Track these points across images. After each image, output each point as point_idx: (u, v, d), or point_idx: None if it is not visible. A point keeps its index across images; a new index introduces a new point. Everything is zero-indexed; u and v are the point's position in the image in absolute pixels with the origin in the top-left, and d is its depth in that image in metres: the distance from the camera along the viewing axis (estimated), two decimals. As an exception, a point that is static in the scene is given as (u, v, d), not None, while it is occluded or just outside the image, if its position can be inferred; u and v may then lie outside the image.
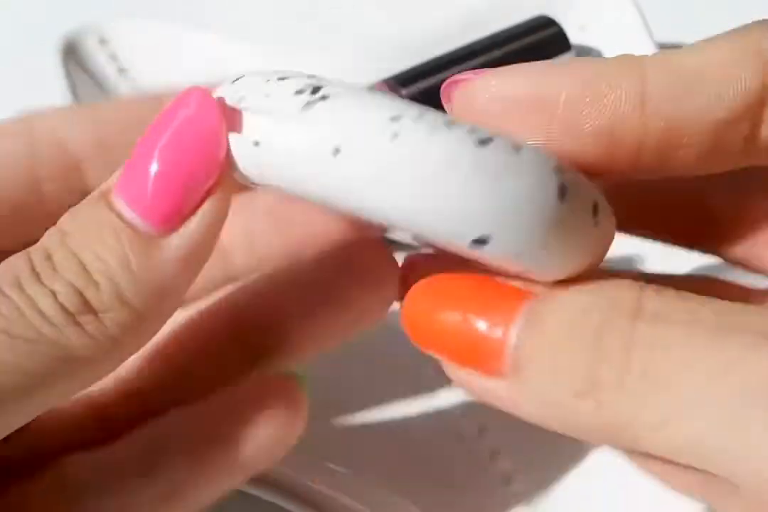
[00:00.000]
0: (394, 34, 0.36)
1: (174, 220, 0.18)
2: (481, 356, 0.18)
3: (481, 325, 0.18)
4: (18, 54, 0.36)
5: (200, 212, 0.18)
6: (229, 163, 0.18)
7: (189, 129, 0.18)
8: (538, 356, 0.17)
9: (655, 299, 0.17)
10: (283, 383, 0.21)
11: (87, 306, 0.17)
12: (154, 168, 0.18)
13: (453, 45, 0.35)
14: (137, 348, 0.19)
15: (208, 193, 0.18)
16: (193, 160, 0.18)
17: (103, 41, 0.37)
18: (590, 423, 0.17)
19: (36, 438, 0.21)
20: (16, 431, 0.18)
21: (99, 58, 0.36)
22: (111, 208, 0.18)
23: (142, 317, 0.18)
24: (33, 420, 0.19)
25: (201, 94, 0.18)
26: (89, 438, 0.22)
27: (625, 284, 0.18)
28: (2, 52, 0.37)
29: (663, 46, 0.41)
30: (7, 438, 0.18)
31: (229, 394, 0.21)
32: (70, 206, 0.19)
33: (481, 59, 0.36)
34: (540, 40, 0.38)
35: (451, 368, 0.19)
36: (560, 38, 0.38)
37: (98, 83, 0.36)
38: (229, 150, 0.18)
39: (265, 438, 0.21)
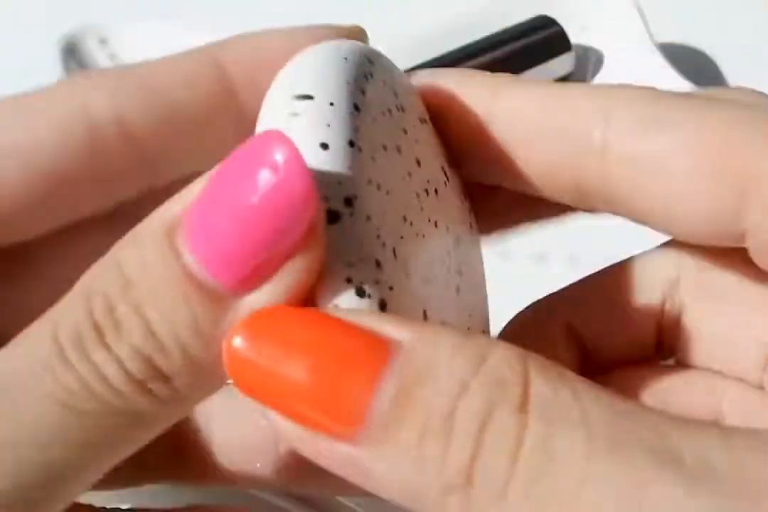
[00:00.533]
0: (395, 35, 0.36)
1: (250, 282, 0.16)
2: (332, 416, 0.15)
3: (339, 381, 0.15)
4: (18, 54, 0.36)
5: (281, 273, 0.16)
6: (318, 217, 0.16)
7: (278, 195, 0.16)
8: (408, 434, 0.15)
9: (542, 384, 0.15)
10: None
11: (156, 372, 0.16)
12: (233, 227, 0.16)
13: (454, 45, 0.35)
14: (204, 399, 0.17)
15: (291, 255, 0.16)
16: (279, 224, 0.16)
17: (103, 41, 0.37)
18: None
19: None
20: None
21: (99, 58, 0.36)
22: (178, 256, 0.16)
23: (212, 376, 0.16)
24: None
25: (289, 153, 0.16)
26: None
27: (495, 355, 0.15)
28: (2, 52, 0.37)
29: (663, 47, 0.41)
30: None
31: None
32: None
33: (482, 59, 0.37)
34: (541, 40, 0.38)
35: (281, 422, 0.16)
36: (561, 38, 0.38)
37: (98, 83, 0.36)
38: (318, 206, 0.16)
39: None
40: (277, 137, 0.16)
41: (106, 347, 0.16)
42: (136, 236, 0.17)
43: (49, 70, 0.35)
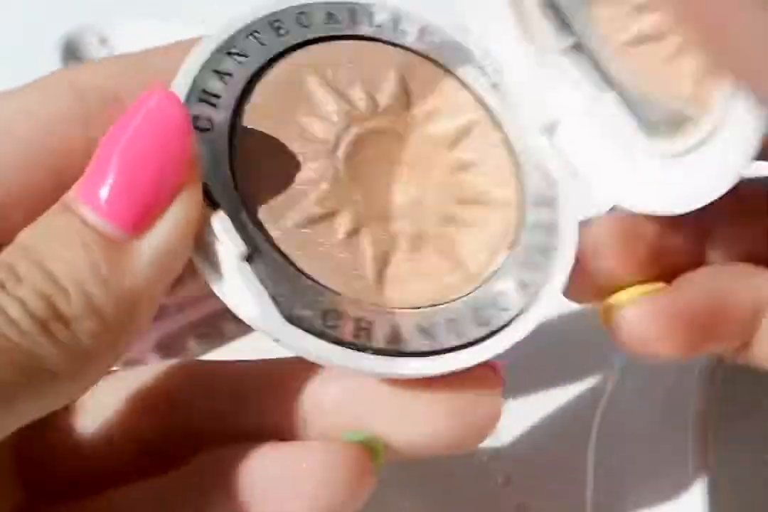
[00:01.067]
0: None
1: (143, 222, 0.17)
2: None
3: None
4: (18, 54, 0.36)
5: (169, 212, 0.17)
6: (195, 157, 0.18)
7: (151, 126, 0.17)
8: None
9: None
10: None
11: (57, 314, 0.16)
12: (116, 169, 0.17)
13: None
14: (113, 361, 0.18)
15: (177, 191, 0.17)
16: (156, 157, 0.17)
17: (103, 41, 0.37)
18: None
19: (79, 467, 0.21)
20: (61, 456, 0.18)
21: (99, 58, 0.36)
22: (75, 214, 0.17)
23: (115, 325, 0.17)
24: (77, 448, 0.18)
25: (163, 90, 0.17)
26: (134, 470, 0.20)
27: None
28: (2, 52, 0.37)
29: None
30: (51, 464, 0.18)
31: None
32: None
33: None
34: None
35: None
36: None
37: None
38: (194, 145, 0.18)
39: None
40: (157, 85, 0.18)
41: (7, 293, 0.16)
42: (36, 220, 0.18)
43: (49, 70, 0.35)
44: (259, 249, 0.19)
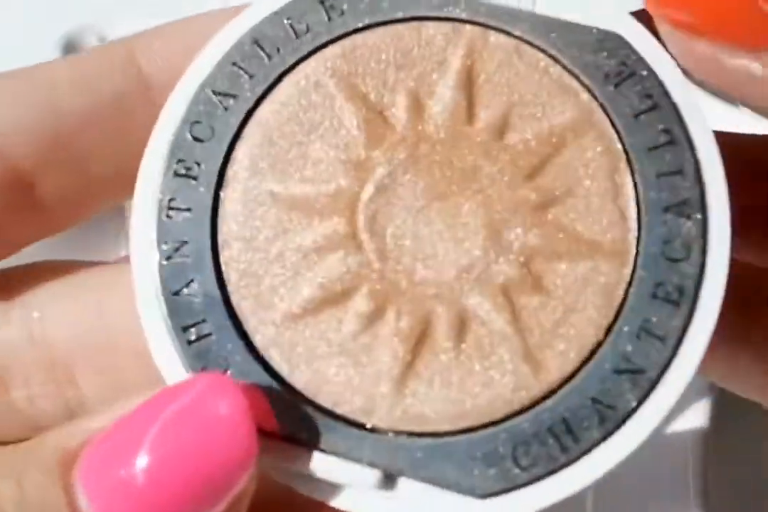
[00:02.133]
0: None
1: None
2: (744, 27, 0.14)
3: None
4: (18, 54, 0.36)
5: None
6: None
7: (213, 459, 0.13)
8: None
9: None
10: None
11: None
12: (145, 463, 0.13)
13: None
14: None
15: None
16: (204, 494, 0.13)
17: (103, 41, 0.37)
18: None
19: None
20: None
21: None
22: (67, 493, 0.13)
23: None
24: None
25: (235, 405, 0.14)
26: None
27: None
28: (2, 51, 0.37)
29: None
30: None
31: None
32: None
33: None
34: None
35: (680, 37, 0.15)
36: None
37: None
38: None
39: None
40: (222, 384, 0.14)
41: None
42: (24, 462, 0.14)
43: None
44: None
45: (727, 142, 0.17)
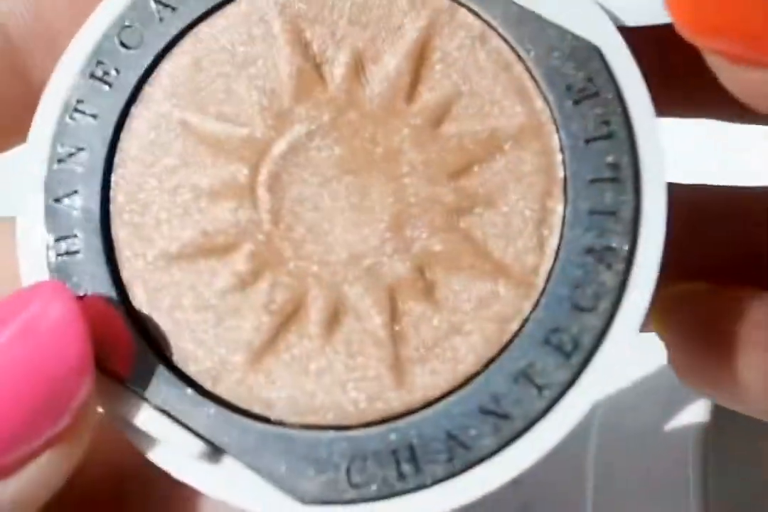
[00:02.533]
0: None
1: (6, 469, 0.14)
2: None
3: None
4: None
5: (36, 464, 0.14)
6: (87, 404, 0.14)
7: (32, 348, 0.13)
8: None
9: None
10: None
11: None
12: None
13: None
14: None
15: (53, 441, 0.14)
16: (31, 394, 0.13)
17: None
18: None
19: None
20: None
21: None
22: None
23: None
24: None
25: (64, 307, 0.13)
26: None
27: None
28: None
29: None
30: None
31: None
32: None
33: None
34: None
35: (719, 62, 0.13)
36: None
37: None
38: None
39: None
40: (56, 290, 0.13)
41: None
42: None
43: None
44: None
45: (684, 198, 0.16)
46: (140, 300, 0.15)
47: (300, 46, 0.15)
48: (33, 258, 0.16)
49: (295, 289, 0.15)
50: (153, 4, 0.16)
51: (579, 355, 0.14)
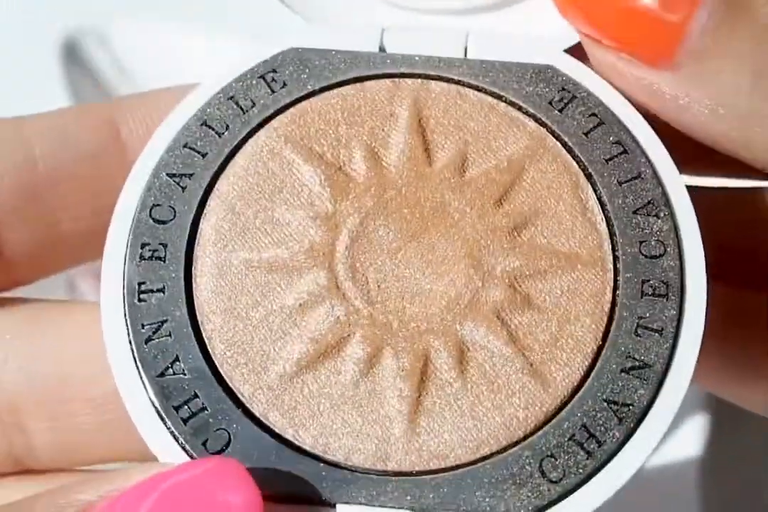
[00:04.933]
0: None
1: None
2: (648, 41, 0.15)
3: (657, 4, 0.15)
4: (18, 54, 0.36)
5: None
6: None
7: None
8: (735, 48, 0.15)
9: None
10: None
11: None
12: None
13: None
14: None
15: None
16: None
17: (103, 41, 0.37)
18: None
19: None
20: None
21: (99, 58, 0.36)
22: None
23: None
24: None
25: (248, 497, 0.13)
26: None
27: None
28: (2, 52, 0.37)
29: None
30: None
31: None
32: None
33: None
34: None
35: (598, 49, 0.16)
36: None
37: (98, 83, 0.36)
38: None
39: None
40: (233, 471, 0.14)
41: None
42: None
43: (49, 70, 0.35)
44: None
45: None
46: (281, 425, 0.16)
47: (316, 158, 0.17)
48: (160, 434, 0.16)
49: (416, 349, 0.16)
50: (169, 179, 0.17)
51: (674, 292, 0.17)
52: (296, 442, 0.16)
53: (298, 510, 0.15)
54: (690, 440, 0.28)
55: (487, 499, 0.15)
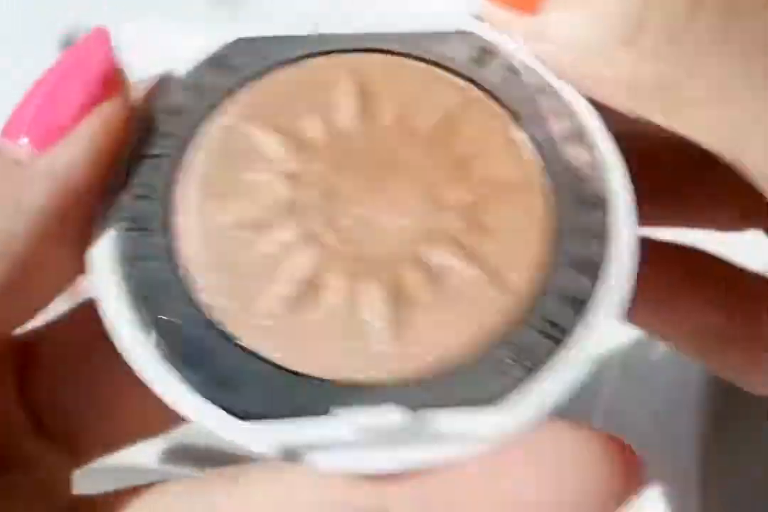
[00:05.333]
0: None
1: (48, 137, 0.17)
2: None
3: None
4: (17, 51, 0.36)
5: (81, 125, 0.17)
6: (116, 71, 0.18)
7: (71, 54, 0.18)
8: None
9: None
10: None
11: None
12: (28, 94, 0.18)
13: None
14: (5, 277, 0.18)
15: (89, 107, 0.18)
16: (65, 72, 0.17)
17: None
18: (625, 76, 0.17)
19: None
20: None
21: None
22: None
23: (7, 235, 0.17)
24: None
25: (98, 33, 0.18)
26: None
27: None
28: (1, 48, 0.37)
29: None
30: None
31: None
32: None
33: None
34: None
35: (487, 6, 0.19)
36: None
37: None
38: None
39: None
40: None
41: None
42: None
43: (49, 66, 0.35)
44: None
45: None
46: (269, 352, 0.17)
47: (273, 129, 0.19)
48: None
49: (389, 277, 0.18)
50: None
51: (601, 204, 0.18)
52: (286, 365, 0.17)
53: (295, 423, 0.16)
54: (690, 439, 0.28)
55: (476, 372, 0.17)
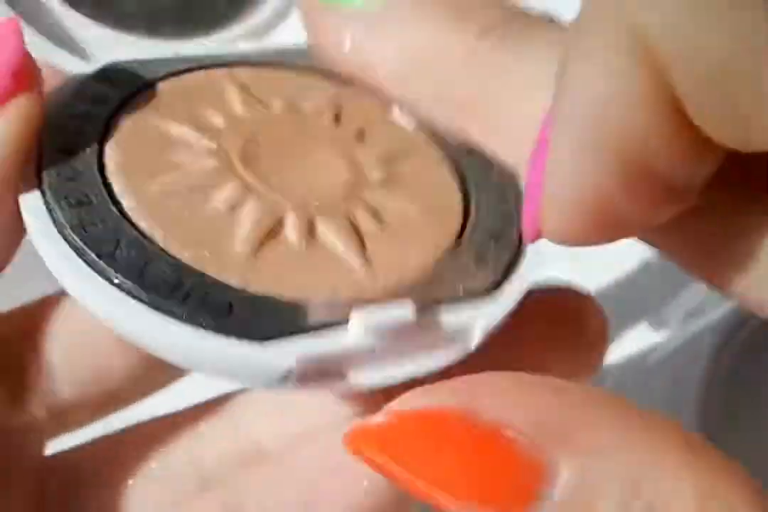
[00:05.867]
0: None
1: None
2: None
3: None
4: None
5: None
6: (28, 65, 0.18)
7: None
8: None
9: None
10: None
11: None
12: None
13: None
14: None
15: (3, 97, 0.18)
16: None
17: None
18: None
19: None
20: None
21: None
22: None
23: None
24: None
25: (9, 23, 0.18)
26: None
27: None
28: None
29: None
30: None
31: None
32: None
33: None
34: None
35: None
36: None
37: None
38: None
39: None
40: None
41: None
42: None
43: None
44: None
45: None
46: (254, 288, 0.18)
47: (180, 121, 0.20)
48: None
49: (341, 216, 0.19)
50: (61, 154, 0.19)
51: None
52: (274, 296, 0.18)
53: (312, 335, 0.17)
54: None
55: (452, 285, 0.19)
